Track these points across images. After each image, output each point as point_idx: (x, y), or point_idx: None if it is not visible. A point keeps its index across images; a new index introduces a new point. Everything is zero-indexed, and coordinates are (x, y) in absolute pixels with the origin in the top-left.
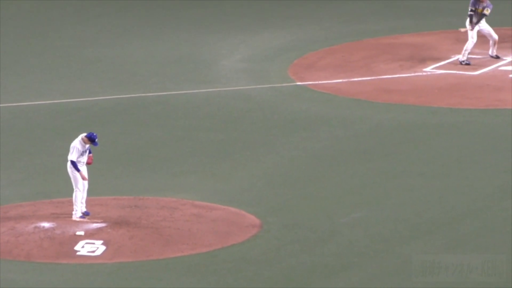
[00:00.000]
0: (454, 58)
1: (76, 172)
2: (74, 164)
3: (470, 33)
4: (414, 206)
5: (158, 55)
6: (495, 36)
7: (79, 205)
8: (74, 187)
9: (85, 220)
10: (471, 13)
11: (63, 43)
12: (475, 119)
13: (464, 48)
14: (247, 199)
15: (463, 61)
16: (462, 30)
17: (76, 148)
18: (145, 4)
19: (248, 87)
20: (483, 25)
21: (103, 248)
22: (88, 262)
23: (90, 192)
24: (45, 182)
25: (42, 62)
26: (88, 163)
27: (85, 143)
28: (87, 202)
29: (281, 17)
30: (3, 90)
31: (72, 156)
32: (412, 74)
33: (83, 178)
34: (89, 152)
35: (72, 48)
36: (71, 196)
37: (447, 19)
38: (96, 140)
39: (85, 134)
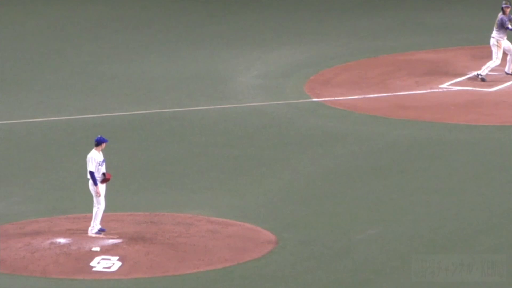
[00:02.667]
0: (470, 74)
1: (97, 186)
2: (92, 175)
3: (495, 52)
4: (430, 222)
5: (175, 71)
6: None
7: (98, 221)
8: (95, 203)
9: (101, 236)
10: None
11: (79, 59)
12: (491, 135)
13: (487, 64)
14: (263, 215)
15: (480, 76)
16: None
17: (93, 158)
18: (161, 20)
19: (264, 103)
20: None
21: (119, 264)
22: (104, 278)
23: (106, 208)
24: (61, 198)
25: (59, 78)
26: (107, 179)
27: (98, 149)
28: (103, 218)
29: (297, 33)
30: (20, 106)
31: (91, 166)
32: (428, 91)
33: (97, 193)
34: (105, 169)
35: (88, 64)
36: (87, 212)
37: (464, 35)
38: (103, 137)
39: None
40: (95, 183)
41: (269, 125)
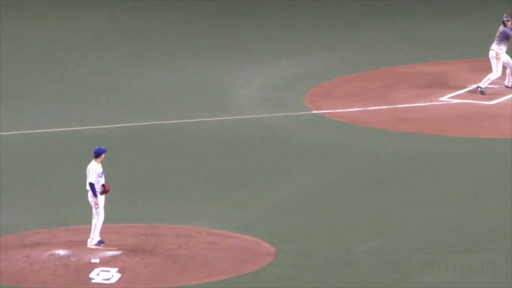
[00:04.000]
0: (470, 87)
1: (96, 197)
2: (92, 186)
3: (495, 65)
4: (431, 235)
5: (175, 83)
6: None
7: (97, 233)
8: (95, 215)
9: (100, 247)
10: None
11: (80, 70)
12: (491, 148)
13: (488, 77)
14: (263, 227)
15: (480, 88)
16: None
17: (92, 169)
18: (162, 32)
19: (264, 115)
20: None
21: (118, 276)
22: None
23: (105, 219)
24: (60, 210)
25: (59, 89)
26: (107, 191)
27: (97, 161)
28: (102, 230)
29: (297, 45)
30: (20, 118)
31: (91, 178)
32: (429, 104)
33: (96, 205)
34: (104, 181)
35: (88, 75)
36: (87, 223)
37: (464, 48)
38: (101, 148)
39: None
40: (95, 195)
41: (270, 137)
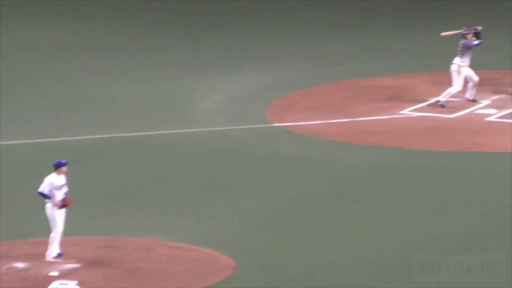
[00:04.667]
0: (431, 100)
1: (54, 210)
2: (40, 194)
3: (456, 78)
4: (391, 248)
5: (137, 96)
6: (476, 78)
7: (55, 246)
8: (52, 228)
9: (59, 260)
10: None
11: (42, 82)
12: (451, 162)
13: (448, 91)
14: (223, 240)
15: (440, 102)
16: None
17: (48, 181)
18: (124, 44)
19: (226, 128)
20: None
21: None
22: None
23: (65, 232)
24: (20, 222)
25: (21, 101)
26: (65, 205)
27: (57, 173)
28: (61, 242)
29: (259, 59)
30: None
31: (41, 187)
32: (390, 116)
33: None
34: (66, 194)
35: (51, 87)
36: (47, 236)
37: (425, 61)
38: (62, 161)
39: None
40: (47, 198)
41: (231, 150)
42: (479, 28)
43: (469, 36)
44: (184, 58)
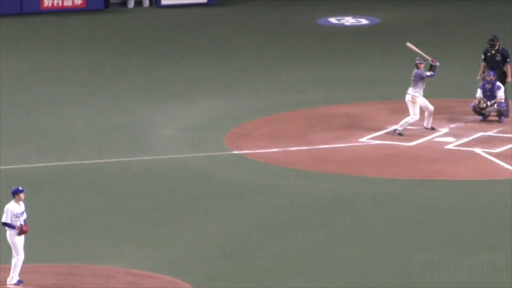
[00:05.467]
0: (390, 128)
1: (14, 237)
2: (4, 224)
3: (412, 108)
4: (351, 276)
5: (95, 123)
6: (431, 107)
7: (17, 272)
8: (14, 254)
9: (19, 287)
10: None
11: None
12: (411, 190)
13: (405, 120)
14: (183, 267)
15: (397, 131)
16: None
17: (9, 209)
18: (82, 72)
19: (184, 155)
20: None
21: None
22: None
23: (25, 259)
24: None
25: None
26: (24, 232)
27: (16, 201)
28: (21, 269)
29: (218, 86)
30: None
31: (4, 217)
32: (348, 144)
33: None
34: (25, 221)
35: (8, 115)
36: (7, 263)
37: (383, 90)
38: (20, 188)
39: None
40: (12, 227)
41: (189, 177)
42: (437, 63)
43: (422, 66)
44: (141, 85)
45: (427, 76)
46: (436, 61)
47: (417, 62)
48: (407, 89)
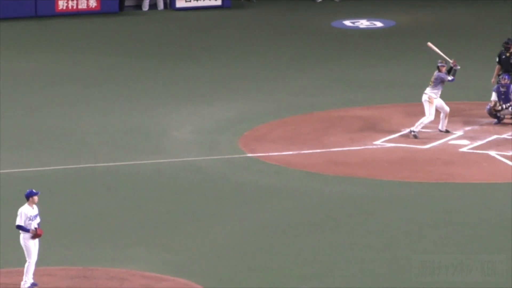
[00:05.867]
0: (404, 131)
1: (28, 241)
2: (19, 227)
3: (428, 108)
4: (364, 278)
5: (109, 126)
6: (447, 109)
7: (30, 275)
8: (26, 257)
9: None
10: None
11: (13, 113)
12: (425, 192)
13: (420, 121)
14: (197, 270)
15: (413, 132)
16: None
17: (22, 212)
18: (96, 75)
19: (198, 158)
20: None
21: None
22: None
23: (38, 262)
24: None
25: None
26: (38, 235)
27: (30, 204)
28: (35, 272)
29: (232, 89)
30: None
31: (18, 220)
32: (362, 147)
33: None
34: (38, 224)
35: (22, 117)
36: (20, 266)
37: (398, 92)
38: (34, 191)
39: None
40: (26, 231)
41: (203, 180)
42: (458, 67)
43: (444, 69)
44: (156, 88)
45: (449, 80)
46: (457, 64)
47: (439, 64)
48: (422, 91)
